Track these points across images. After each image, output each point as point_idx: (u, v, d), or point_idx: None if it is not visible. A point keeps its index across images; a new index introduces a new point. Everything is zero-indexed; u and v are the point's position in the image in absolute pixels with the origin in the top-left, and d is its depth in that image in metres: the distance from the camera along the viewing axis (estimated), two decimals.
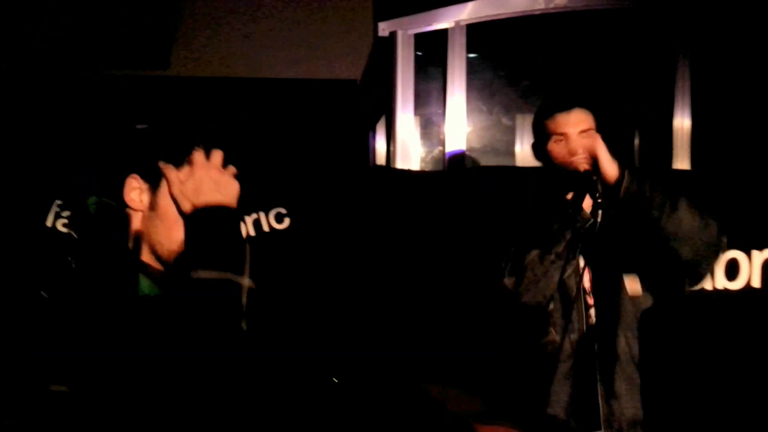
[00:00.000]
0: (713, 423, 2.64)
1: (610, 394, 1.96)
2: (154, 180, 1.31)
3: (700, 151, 3.29)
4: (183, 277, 1.22)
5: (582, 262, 2.01)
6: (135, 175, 1.31)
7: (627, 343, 2.04)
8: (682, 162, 3.18)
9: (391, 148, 3.18)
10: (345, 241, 2.84)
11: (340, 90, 3.81)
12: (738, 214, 2.86)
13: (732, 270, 2.87)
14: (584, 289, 2.03)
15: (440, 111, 3.29)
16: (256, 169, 2.90)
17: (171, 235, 1.28)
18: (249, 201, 2.84)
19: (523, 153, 3.81)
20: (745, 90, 3.57)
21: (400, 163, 3.16)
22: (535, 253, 1.95)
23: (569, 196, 1.96)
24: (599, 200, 1.88)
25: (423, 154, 3.87)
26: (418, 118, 3.47)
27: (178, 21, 3.86)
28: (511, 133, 3.81)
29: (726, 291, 2.86)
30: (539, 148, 2.09)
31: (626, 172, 1.90)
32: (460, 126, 3.19)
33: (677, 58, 3.16)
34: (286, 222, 2.93)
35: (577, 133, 1.97)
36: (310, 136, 3.68)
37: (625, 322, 2.04)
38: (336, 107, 3.75)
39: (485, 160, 3.68)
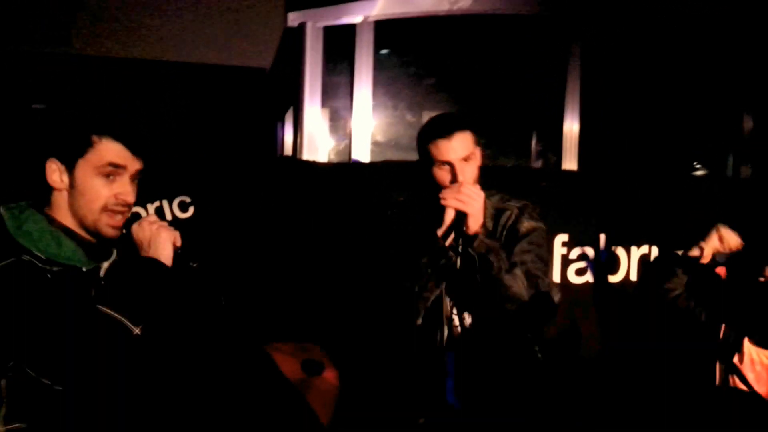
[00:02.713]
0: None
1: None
2: (69, 161, 1.50)
3: (590, 153, 3.52)
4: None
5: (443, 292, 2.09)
6: (53, 159, 1.51)
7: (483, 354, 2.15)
8: (570, 163, 3.38)
9: (298, 140, 3.20)
10: (249, 230, 2.84)
11: (249, 78, 3.76)
12: (619, 213, 3.08)
13: (612, 264, 3.09)
14: (446, 313, 2.11)
15: (348, 104, 3.33)
16: (161, 155, 2.85)
17: (92, 206, 1.50)
18: (152, 188, 2.79)
19: None
20: (632, 95, 3.83)
21: (307, 155, 3.20)
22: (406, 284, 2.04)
23: (440, 231, 1.99)
24: (459, 243, 1.94)
25: (332, 146, 3.91)
26: (327, 110, 3.50)
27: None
28: (414, 129, 3.91)
29: (608, 283, 3.07)
30: (425, 171, 2.07)
31: (482, 230, 1.98)
32: (366, 120, 3.25)
33: (568, 63, 3.34)
34: (190, 211, 2.89)
35: (460, 159, 1.98)
36: (218, 123, 3.61)
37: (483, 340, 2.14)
38: (244, 95, 3.71)
39: (390, 155, 3.75)
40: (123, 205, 1.51)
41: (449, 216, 1.96)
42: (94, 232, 1.52)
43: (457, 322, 2.10)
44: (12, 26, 3.54)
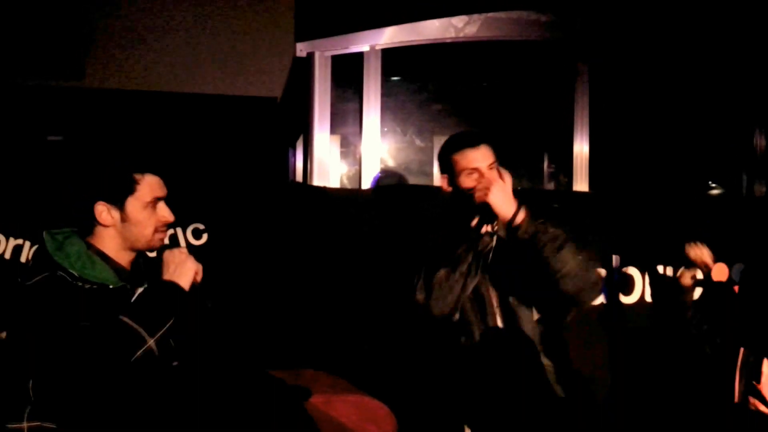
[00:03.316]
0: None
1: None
2: (118, 200, 1.72)
3: (601, 174, 3.51)
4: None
5: (486, 279, 2.17)
6: (101, 201, 1.71)
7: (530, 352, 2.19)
8: (581, 184, 3.37)
9: (308, 166, 3.23)
10: (262, 256, 2.86)
11: (260, 107, 3.82)
12: (632, 233, 3.06)
13: (626, 285, 3.06)
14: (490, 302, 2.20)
15: (358, 131, 3.36)
16: (174, 183, 2.89)
17: (144, 232, 1.74)
18: None
19: (439, 173, 3.93)
20: (643, 115, 3.83)
21: (317, 181, 3.22)
22: (443, 271, 2.14)
23: (473, 222, 2.16)
24: (495, 230, 2.16)
25: (344, 172, 3.94)
26: (338, 137, 3.54)
27: (93, 31, 3.79)
28: (425, 154, 3.93)
29: (622, 304, 3.05)
30: (450, 180, 2.26)
31: (525, 216, 2.12)
32: (375, 146, 3.28)
33: (576, 84, 3.36)
34: (204, 238, 2.92)
35: (487, 167, 2.17)
36: (230, 152, 3.66)
37: (525, 335, 2.19)
38: (256, 124, 3.76)
39: (400, 180, 3.77)
40: (167, 224, 1.78)
41: (480, 210, 2.11)
42: (148, 249, 1.78)
43: (498, 316, 2.17)
44: (23, 60, 3.63)
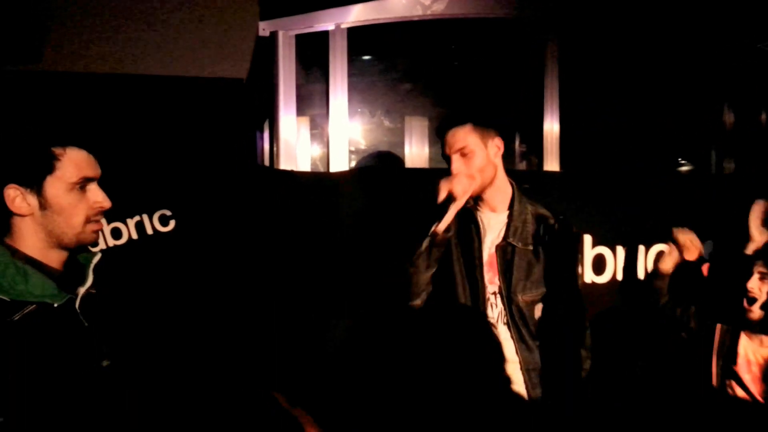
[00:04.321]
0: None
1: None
2: (33, 181, 1.36)
3: (571, 153, 3.49)
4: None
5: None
6: (11, 185, 1.35)
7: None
8: (552, 164, 3.35)
9: (275, 149, 3.16)
10: (230, 242, 2.81)
11: (226, 89, 3.73)
12: (603, 213, 3.05)
13: (599, 265, 3.05)
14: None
15: (325, 112, 3.30)
16: (139, 169, 2.82)
17: (72, 222, 1.37)
18: (132, 202, 2.76)
19: (411, 154, 3.89)
20: (612, 92, 3.81)
21: (284, 164, 3.15)
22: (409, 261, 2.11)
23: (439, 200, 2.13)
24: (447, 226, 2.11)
25: (317, 155, 3.88)
26: (306, 118, 3.47)
27: (50, 11, 3.66)
28: (395, 135, 3.88)
29: (593, 284, 3.05)
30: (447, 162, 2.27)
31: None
32: (343, 127, 3.21)
33: (545, 62, 3.32)
34: (171, 224, 2.86)
35: (455, 153, 2.15)
36: (195, 136, 3.58)
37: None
38: (222, 107, 3.68)
39: (370, 162, 3.72)
40: (102, 212, 1.42)
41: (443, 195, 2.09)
42: (76, 246, 1.40)
43: (499, 305, 2.17)
44: None
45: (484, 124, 2.18)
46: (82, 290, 1.40)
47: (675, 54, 3.71)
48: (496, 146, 2.19)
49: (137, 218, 2.87)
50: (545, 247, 2.19)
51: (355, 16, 3.08)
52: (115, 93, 3.64)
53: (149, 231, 2.83)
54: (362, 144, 3.81)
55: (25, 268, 1.34)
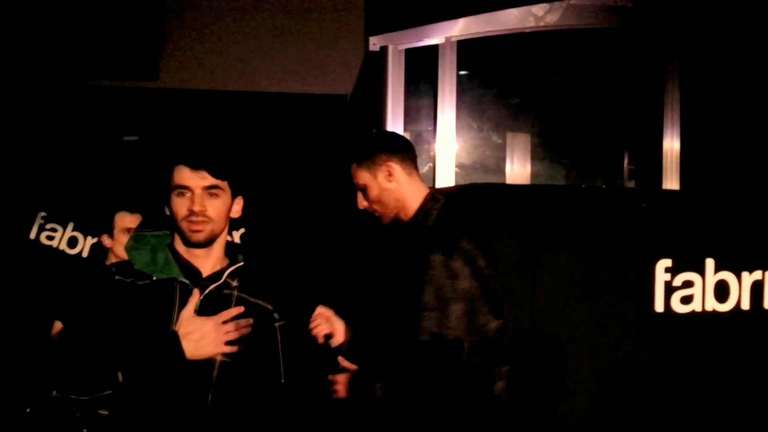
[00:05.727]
0: None
1: None
2: (168, 192, 1.71)
3: (690, 170, 3.30)
4: None
5: None
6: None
7: None
8: (671, 182, 3.18)
9: None
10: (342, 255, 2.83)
11: (331, 105, 3.79)
12: (728, 235, 2.86)
13: (722, 292, 2.86)
14: None
15: (431, 127, 3.28)
16: (245, 184, 2.89)
17: (177, 219, 1.71)
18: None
19: (512, 171, 3.81)
20: (735, 106, 3.59)
21: None
22: None
23: None
24: None
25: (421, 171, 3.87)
26: (409, 134, 3.46)
27: (166, 32, 3.86)
28: (502, 151, 3.81)
29: (715, 312, 2.85)
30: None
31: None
32: (450, 143, 3.18)
33: (666, 77, 3.17)
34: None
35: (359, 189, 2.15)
36: (300, 150, 3.66)
37: None
38: (325, 123, 3.74)
39: (475, 177, 3.67)
40: (197, 215, 1.69)
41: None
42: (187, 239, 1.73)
43: None
44: (97, 61, 3.71)
45: (367, 158, 2.10)
46: (212, 286, 1.69)
47: None
48: (386, 171, 2.10)
49: (242, 230, 2.95)
50: None
51: (465, 29, 3.04)
52: (222, 110, 3.78)
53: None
54: (467, 159, 3.77)
55: (168, 255, 1.73)
